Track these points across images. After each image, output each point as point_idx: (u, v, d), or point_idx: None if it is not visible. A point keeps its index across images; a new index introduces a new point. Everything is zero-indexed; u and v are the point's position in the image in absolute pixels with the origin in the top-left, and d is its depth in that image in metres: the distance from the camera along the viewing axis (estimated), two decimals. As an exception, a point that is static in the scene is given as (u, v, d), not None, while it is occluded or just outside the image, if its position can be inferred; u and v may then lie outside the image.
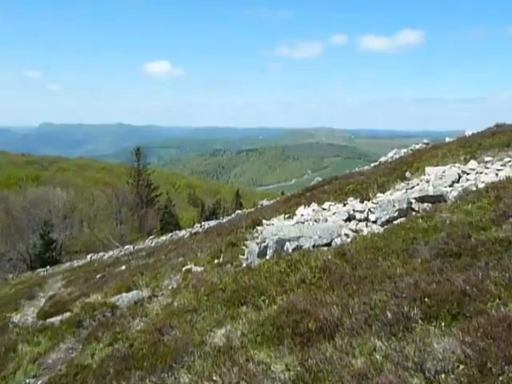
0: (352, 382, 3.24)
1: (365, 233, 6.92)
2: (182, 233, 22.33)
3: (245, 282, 6.14)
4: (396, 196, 8.17)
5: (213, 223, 21.91)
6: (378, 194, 9.31)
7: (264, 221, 10.68)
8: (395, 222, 6.75)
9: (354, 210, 7.86)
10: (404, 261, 5.02)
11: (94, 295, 10.09)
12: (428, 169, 9.72)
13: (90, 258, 22.90)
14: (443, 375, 3.00)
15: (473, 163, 9.09)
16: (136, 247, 22.08)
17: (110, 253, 22.67)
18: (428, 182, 8.72)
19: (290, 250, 6.89)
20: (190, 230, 22.62)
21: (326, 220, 8.35)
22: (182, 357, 4.68)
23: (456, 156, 10.79)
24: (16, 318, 10.87)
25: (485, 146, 10.83)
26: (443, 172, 8.79)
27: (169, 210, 49.56)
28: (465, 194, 6.84)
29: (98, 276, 14.21)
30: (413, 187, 8.90)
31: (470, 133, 14.69)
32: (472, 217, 5.58)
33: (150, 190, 46.31)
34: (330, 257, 5.95)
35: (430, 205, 7.10)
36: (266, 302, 5.29)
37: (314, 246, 6.84)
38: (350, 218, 7.77)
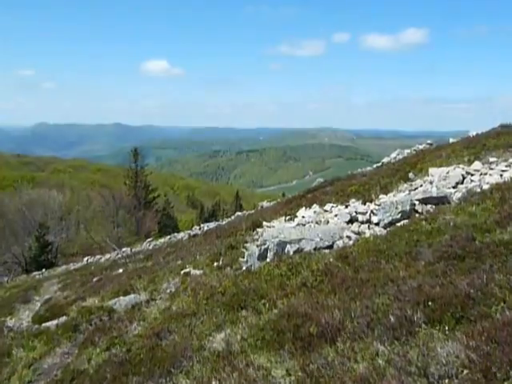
0: (354, 387, 3.18)
1: (367, 235, 6.86)
2: (180, 235, 22.27)
3: (245, 285, 6.09)
4: (399, 197, 8.11)
5: (212, 225, 21.85)
6: (381, 196, 9.25)
7: (264, 223, 10.60)
8: (398, 224, 6.71)
9: (356, 212, 7.81)
10: (407, 264, 4.98)
11: (91, 299, 9.98)
12: (431, 170, 9.67)
13: (87, 260, 22.81)
14: (447, 380, 2.98)
15: (477, 164, 9.04)
16: (133, 250, 22.02)
17: (107, 256, 22.59)
18: (431, 183, 8.67)
19: (291, 253, 6.82)
20: (188, 232, 22.57)
21: (328, 222, 8.28)
22: (180, 362, 4.62)
23: (460, 157, 10.73)
24: (11, 322, 10.77)
25: (489, 147, 10.76)
26: (447, 173, 8.74)
27: (167, 212, 49.44)
28: (469, 196, 6.80)
29: (94, 279, 14.15)
30: (416, 188, 8.84)
31: (475, 133, 14.61)
32: (476, 219, 5.56)
33: (148, 191, 46.21)
34: (331, 260, 5.90)
35: (433, 206, 7.06)
36: (267, 305, 5.23)
37: (315, 249, 6.78)
38: (352, 220, 7.73)
